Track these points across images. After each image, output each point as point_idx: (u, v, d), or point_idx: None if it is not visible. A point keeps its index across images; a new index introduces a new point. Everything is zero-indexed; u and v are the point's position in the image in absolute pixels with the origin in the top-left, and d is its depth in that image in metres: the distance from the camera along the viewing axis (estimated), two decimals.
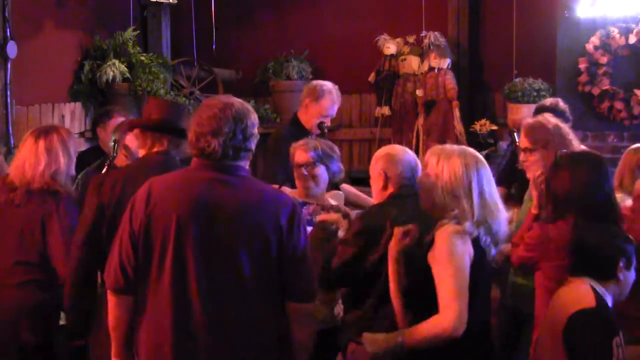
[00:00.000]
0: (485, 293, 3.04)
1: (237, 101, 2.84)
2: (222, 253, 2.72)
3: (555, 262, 3.28)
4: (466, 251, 2.87)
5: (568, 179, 3.34)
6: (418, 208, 3.05)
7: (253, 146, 2.85)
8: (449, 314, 2.80)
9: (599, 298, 2.86)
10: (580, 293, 2.89)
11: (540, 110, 4.95)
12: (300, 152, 3.95)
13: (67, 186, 3.83)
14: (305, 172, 3.90)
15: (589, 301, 2.84)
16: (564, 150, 3.59)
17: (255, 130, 2.85)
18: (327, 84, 4.90)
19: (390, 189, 3.39)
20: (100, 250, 3.16)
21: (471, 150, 3.05)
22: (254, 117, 2.84)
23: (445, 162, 2.95)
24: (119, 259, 2.81)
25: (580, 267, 2.97)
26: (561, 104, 5.06)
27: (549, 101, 5.22)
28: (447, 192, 2.91)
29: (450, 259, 2.86)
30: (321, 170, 3.92)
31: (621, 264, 2.91)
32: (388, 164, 3.41)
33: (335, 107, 4.89)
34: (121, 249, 2.80)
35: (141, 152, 3.42)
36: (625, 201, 3.83)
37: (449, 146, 3.07)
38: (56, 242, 3.66)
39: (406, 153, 3.47)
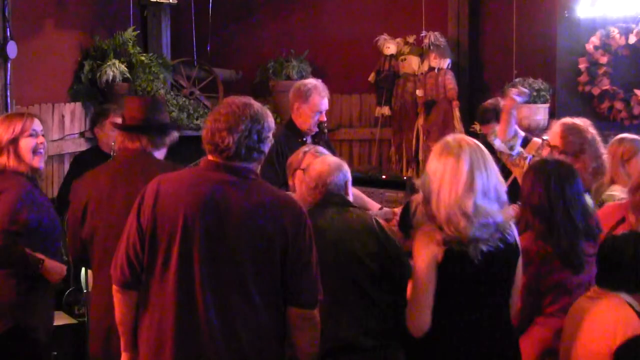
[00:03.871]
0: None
1: (257, 103, 2.88)
2: (227, 255, 2.72)
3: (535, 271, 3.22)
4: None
5: (529, 187, 3.30)
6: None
7: (266, 149, 2.88)
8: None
9: None
10: (626, 316, 2.81)
11: (484, 111, 4.92)
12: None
13: None
14: None
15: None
16: (545, 157, 3.53)
17: (270, 135, 2.88)
18: (311, 81, 4.88)
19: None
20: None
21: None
22: (270, 121, 2.89)
23: None
24: (126, 252, 2.80)
25: (616, 280, 2.90)
26: (502, 102, 5.04)
27: (489, 102, 5.20)
28: None
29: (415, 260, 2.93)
30: None
31: None
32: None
33: (326, 101, 4.84)
34: (128, 243, 2.80)
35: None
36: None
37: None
38: None
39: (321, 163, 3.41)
